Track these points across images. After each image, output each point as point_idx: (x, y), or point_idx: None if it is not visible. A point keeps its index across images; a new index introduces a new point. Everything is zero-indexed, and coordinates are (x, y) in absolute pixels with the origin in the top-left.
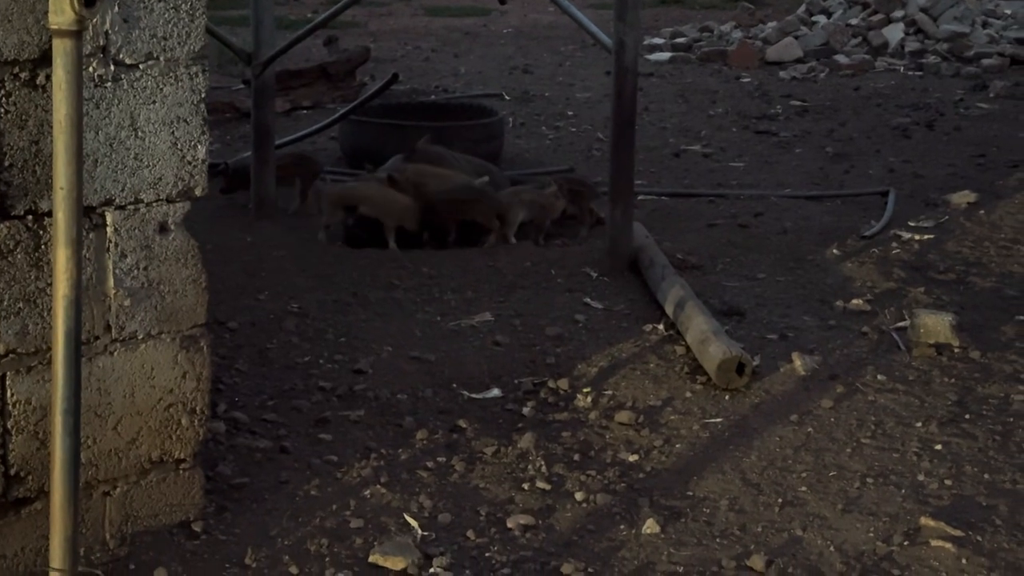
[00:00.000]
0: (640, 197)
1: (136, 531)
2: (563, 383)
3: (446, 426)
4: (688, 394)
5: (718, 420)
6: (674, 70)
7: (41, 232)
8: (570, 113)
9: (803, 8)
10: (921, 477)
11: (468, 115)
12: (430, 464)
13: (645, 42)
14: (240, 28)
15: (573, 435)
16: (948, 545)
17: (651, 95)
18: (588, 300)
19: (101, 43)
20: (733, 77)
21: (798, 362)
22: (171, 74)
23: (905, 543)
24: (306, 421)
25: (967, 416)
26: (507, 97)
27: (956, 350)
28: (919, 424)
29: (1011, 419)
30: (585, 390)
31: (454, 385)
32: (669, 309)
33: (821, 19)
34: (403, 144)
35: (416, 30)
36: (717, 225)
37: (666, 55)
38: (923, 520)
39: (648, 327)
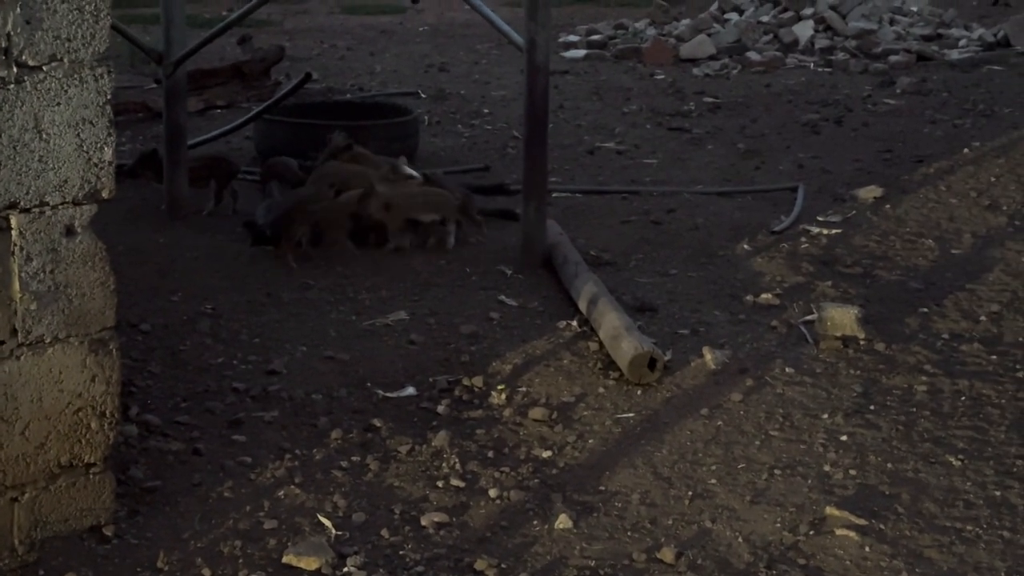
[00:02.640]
0: (554, 194)
1: (46, 537)
2: (478, 381)
3: (361, 425)
4: (601, 390)
5: (630, 415)
6: (589, 67)
7: None
8: (486, 111)
9: (716, 6)
10: (827, 468)
11: (383, 114)
12: (344, 464)
13: (561, 39)
14: (153, 26)
15: (487, 432)
16: (852, 534)
17: (566, 93)
18: (503, 298)
19: (3, 45)
20: (647, 74)
21: (708, 356)
22: (76, 76)
23: (811, 532)
24: (220, 423)
25: (872, 407)
26: (423, 95)
27: (862, 342)
28: (825, 416)
29: (914, 409)
30: (499, 387)
31: (369, 384)
32: (583, 306)
33: (734, 16)
34: (317, 143)
35: (332, 28)
36: (630, 222)
37: (581, 52)
38: (828, 510)
39: (562, 324)
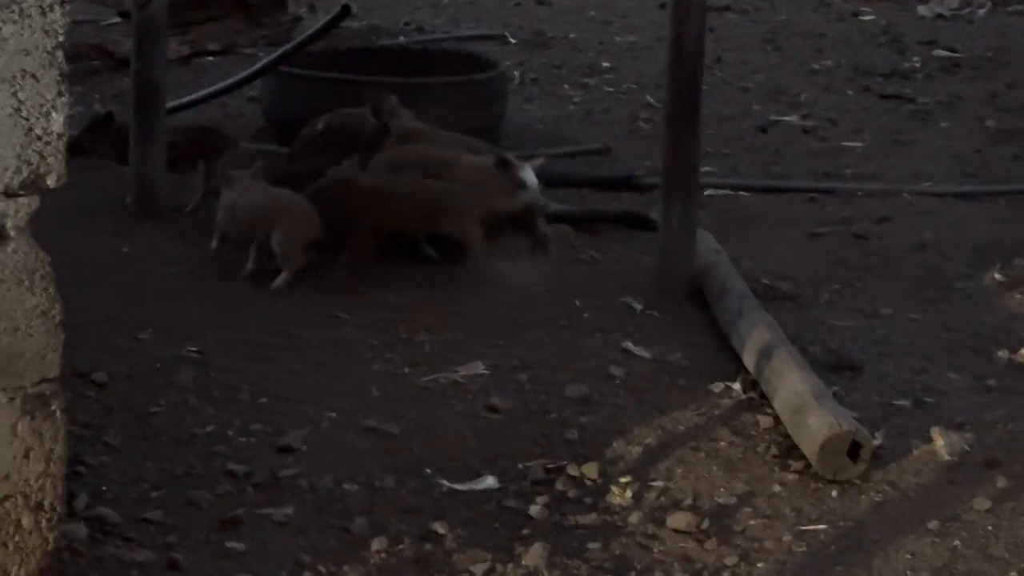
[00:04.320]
0: (708, 192)
1: None
2: (590, 469)
3: (416, 532)
4: (776, 488)
5: (820, 527)
6: (761, 1)
7: None
8: (605, 65)
9: None
10: None
11: (453, 67)
12: None
13: None
14: None
15: (605, 548)
16: None
17: (727, 39)
18: (628, 345)
19: None
20: (848, 13)
21: (940, 441)
22: (14, 7)
23: None
24: (207, 522)
25: None
26: (512, 40)
27: None
28: None
29: None
30: (623, 480)
31: (428, 471)
32: (749, 360)
33: None
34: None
35: None
36: (822, 235)
37: None
38: None
39: (718, 387)
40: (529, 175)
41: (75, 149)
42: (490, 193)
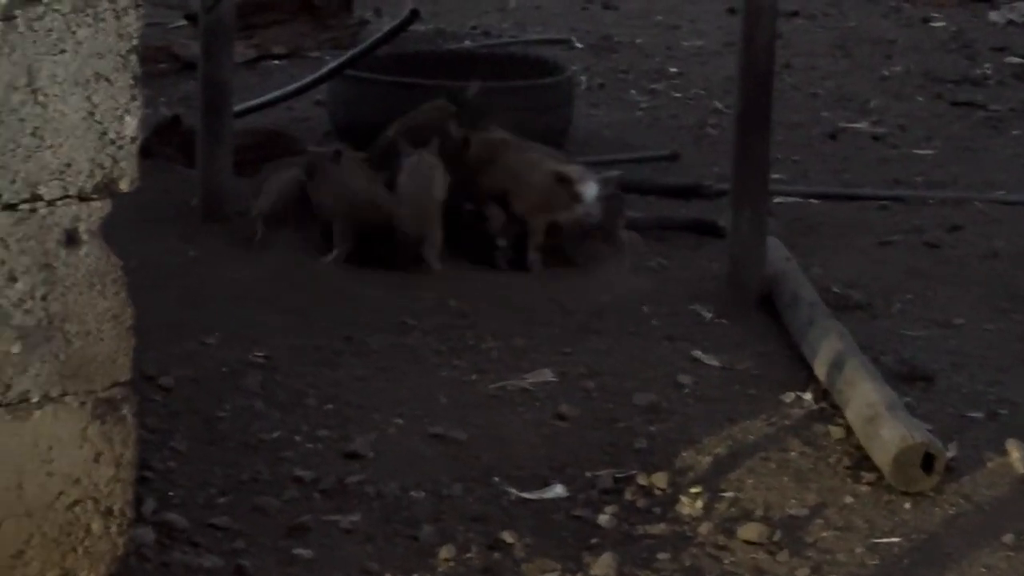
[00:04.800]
0: (777, 199)
1: None
2: (659, 479)
3: (484, 540)
4: (848, 499)
5: (894, 540)
6: (830, 6)
7: None
8: (673, 70)
9: None
10: None
11: (520, 71)
12: None
13: None
14: None
15: (674, 558)
16: None
17: (795, 44)
18: (698, 353)
19: None
20: (919, 19)
21: (1016, 454)
22: (88, 10)
23: None
24: (274, 529)
25: None
26: (578, 44)
27: None
28: None
29: None
30: (693, 490)
31: (496, 479)
32: (820, 370)
33: None
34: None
35: None
36: (893, 243)
37: None
38: None
39: (788, 396)
40: (590, 188)
41: (143, 152)
42: (551, 203)
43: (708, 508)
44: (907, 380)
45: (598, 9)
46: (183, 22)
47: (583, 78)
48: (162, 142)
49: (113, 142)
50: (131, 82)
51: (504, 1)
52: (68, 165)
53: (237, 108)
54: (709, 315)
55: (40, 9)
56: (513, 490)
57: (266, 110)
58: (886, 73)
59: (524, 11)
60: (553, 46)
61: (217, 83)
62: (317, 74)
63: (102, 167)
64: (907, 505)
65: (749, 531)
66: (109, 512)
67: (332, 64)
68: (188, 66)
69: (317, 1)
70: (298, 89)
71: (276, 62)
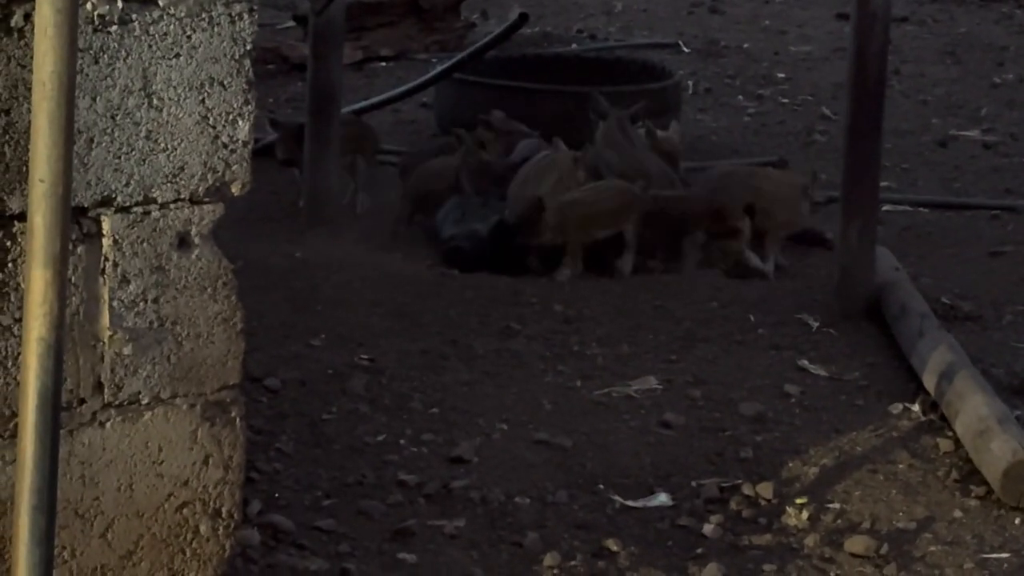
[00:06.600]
0: (886, 208)
1: None
2: (765, 489)
3: (589, 548)
4: (957, 513)
5: (1004, 555)
6: (940, 12)
7: (8, 244)
8: (780, 76)
9: None
10: None
11: (627, 76)
12: None
13: None
14: None
15: (780, 569)
16: None
17: (904, 51)
18: (804, 363)
19: None
20: None
21: None
22: (204, 15)
23: None
24: (379, 532)
25: None
26: (686, 49)
27: None
28: None
29: None
30: (799, 501)
31: (601, 486)
32: (929, 381)
33: None
34: (532, 116)
35: None
36: (1004, 254)
37: None
38: None
39: (896, 408)
40: None
41: (285, 161)
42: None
43: (814, 519)
44: (1018, 393)
45: (705, 13)
46: (291, 23)
47: (690, 83)
48: (296, 148)
49: (226, 146)
50: (245, 86)
51: (610, 4)
52: (181, 168)
53: (345, 110)
54: (816, 324)
55: (156, 13)
56: (618, 498)
57: (373, 112)
58: (997, 80)
59: (630, 14)
60: (660, 50)
61: (325, 86)
62: (425, 77)
63: (215, 171)
64: (1017, 520)
65: (856, 544)
66: (217, 514)
67: (440, 67)
68: (296, 67)
69: (425, 4)
70: (406, 91)
71: (383, 64)
